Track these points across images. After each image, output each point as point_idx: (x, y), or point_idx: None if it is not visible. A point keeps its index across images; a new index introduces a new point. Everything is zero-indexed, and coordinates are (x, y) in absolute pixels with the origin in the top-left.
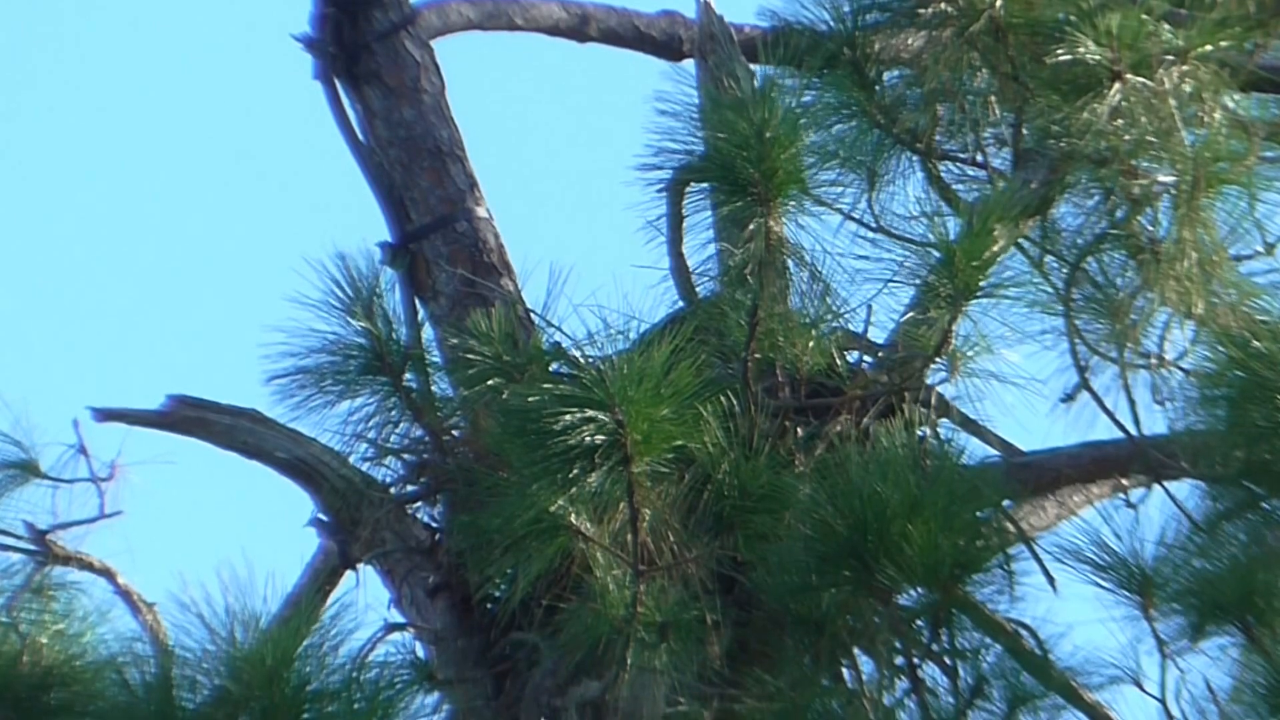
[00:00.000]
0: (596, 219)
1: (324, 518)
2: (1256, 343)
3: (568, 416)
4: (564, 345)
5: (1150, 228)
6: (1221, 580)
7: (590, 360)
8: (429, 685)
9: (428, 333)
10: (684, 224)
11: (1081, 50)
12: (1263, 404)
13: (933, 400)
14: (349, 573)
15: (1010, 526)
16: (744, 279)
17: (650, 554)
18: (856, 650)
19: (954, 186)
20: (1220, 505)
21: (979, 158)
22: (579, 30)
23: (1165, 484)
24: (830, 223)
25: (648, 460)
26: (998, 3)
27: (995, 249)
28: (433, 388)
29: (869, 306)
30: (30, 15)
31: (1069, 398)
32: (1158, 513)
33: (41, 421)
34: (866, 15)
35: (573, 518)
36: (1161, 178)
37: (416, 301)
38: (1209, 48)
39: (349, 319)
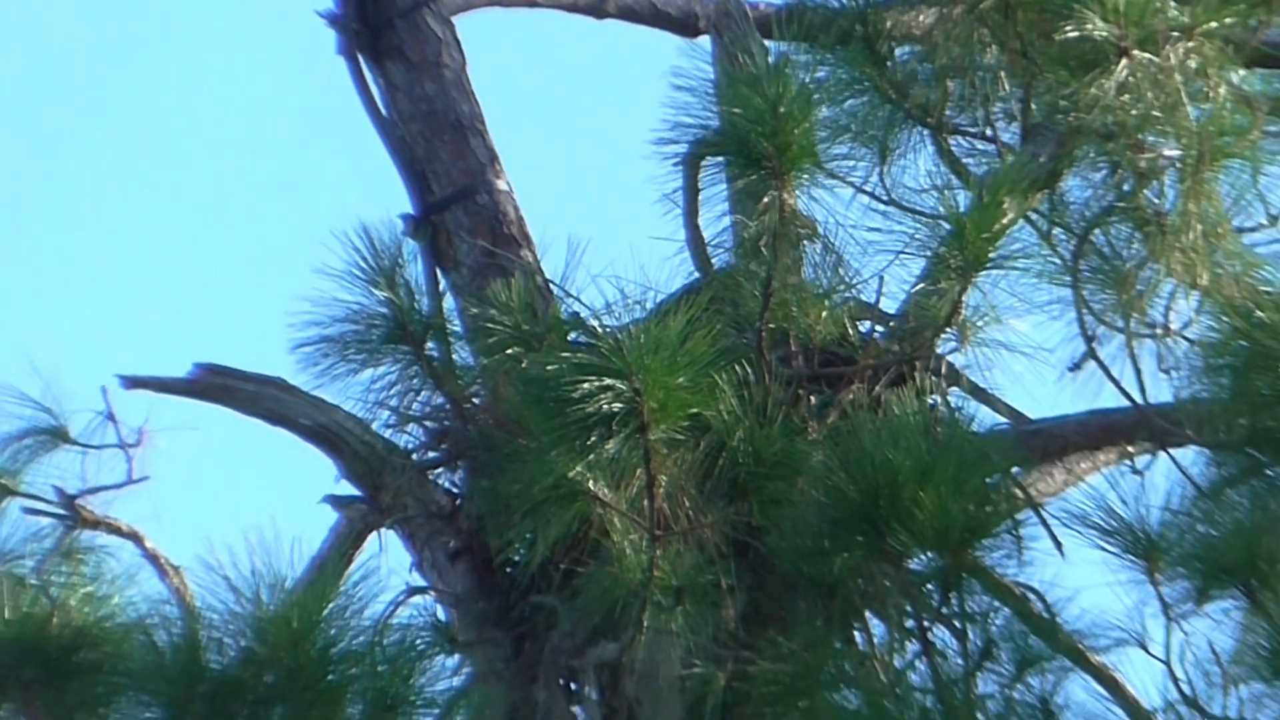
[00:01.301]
0: (614, 192)
1: (337, 494)
2: (1260, 313)
3: (586, 384)
4: (582, 315)
5: (1156, 200)
6: (1225, 545)
7: (608, 330)
8: (450, 647)
9: (449, 302)
10: (699, 197)
11: (1089, 27)
12: (1266, 373)
13: (943, 369)
14: (372, 538)
15: (1019, 493)
16: (758, 251)
17: (666, 519)
18: (868, 613)
19: (964, 160)
20: (1224, 472)
21: (988, 132)
22: (597, 7)
23: (1170, 451)
24: (843, 196)
25: (664, 427)
26: None
27: (1004, 221)
28: (454, 356)
29: (881, 277)
30: None
31: (1076, 366)
32: (1163, 479)
33: (71, 389)
34: None
35: (590, 483)
36: (1167, 152)
37: (438, 272)
38: (1214, 24)
39: (372, 289)
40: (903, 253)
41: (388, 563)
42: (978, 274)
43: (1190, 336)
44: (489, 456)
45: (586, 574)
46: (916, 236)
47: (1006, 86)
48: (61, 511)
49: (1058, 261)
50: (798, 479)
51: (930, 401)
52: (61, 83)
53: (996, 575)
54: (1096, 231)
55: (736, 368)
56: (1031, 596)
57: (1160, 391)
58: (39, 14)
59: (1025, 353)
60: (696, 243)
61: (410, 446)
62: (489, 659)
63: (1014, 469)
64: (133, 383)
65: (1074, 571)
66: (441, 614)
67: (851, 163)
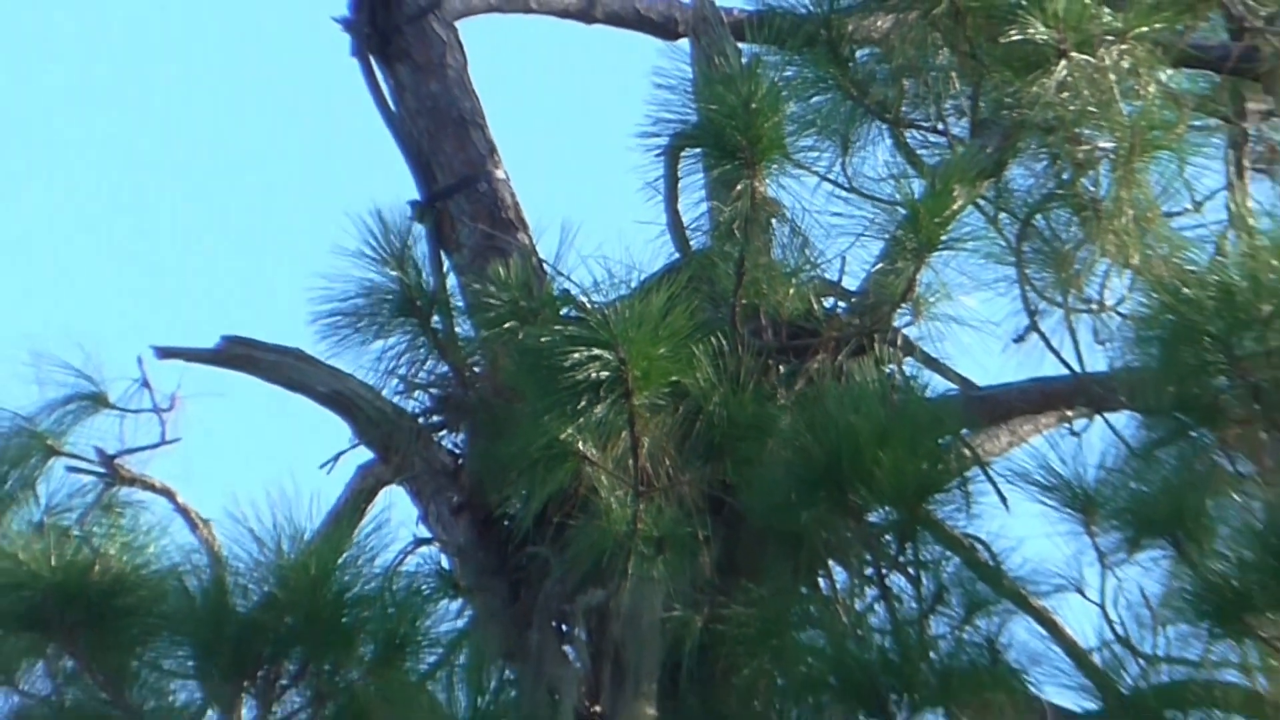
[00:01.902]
0: (602, 180)
1: (334, 461)
2: (1186, 290)
3: (576, 355)
4: (573, 292)
5: (1092, 188)
6: (1154, 500)
7: (596, 305)
8: (453, 593)
9: (452, 280)
10: (679, 185)
11: (1031, 31)
12: (1191, 344)
13: (899, 341)
14: (382, 493)
15: (968, 453)
16: (732, 234)
17: (649, 477)
18: (831, 562)
19: (918, 151)
20: (1153, 434)
21: (940, 126)
22: (586, 13)
23: (1105, 415)
24: (809, 184)
25: (647, 394)
26: None
27: (955, 207)
28: (456, 329)
29: (843, 258)
30: None
31: (1020, 339)
32: (1098, 441)
33: (109, 359)
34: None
35: (580, 445)
36: (1102, 144)
37: (442, 253)
38: (1144, 29)
39: (383, 268)
40: (863, 235)
41: (397, 516)
42: (931, 255)
43: (1123, 311)
44: (488, 420)
45: (576, 527)
46: (875, 221)
47: (957, 85)
48: (101, 470)
49: (1003, 243)
50: (768, 441)
51: (888, 370)
52: (116, 77)
53: (947, 527)
54: (1038, 216)
55: (712, 340)
56: (979, 546)
57: (1096, 361)
58: (99, 16)
59: (974, 326)
60: (676, 226)
61: (417, 411)
62: (488, 604)
63: (963, 431)
64: (165, 353)
65: (1017, 523)
66: (445, 563)
67: (816, 154)
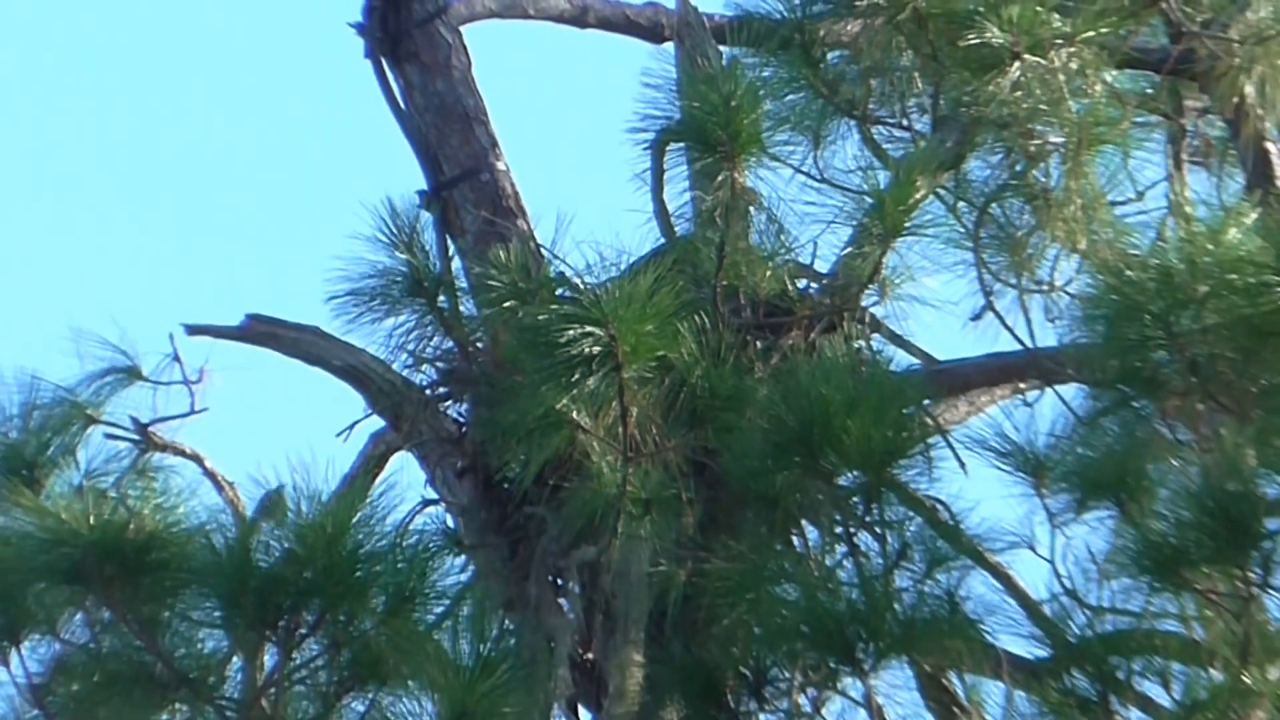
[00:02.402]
0: (594, 172)
1: (349, 429)
2: (1129, 272)
3: (570, 331)
4: (567, 274)
5: (1043, 179)
6: (1100, 465)
7: (588, 286)
8: (457, 549)
9: (457, 263)
10: (665, 176)
11: (988, 35)
12: (1134, 322)
13: (867, 319)
14: (393, 459)
15: (929, 421)
16: (714, 221)
17: (637, 443)
18: (804, 521)
19: (884, 146)
20: (1099, 404)
21: (905, 122)
22: (580, 18)
23: (1055, 387)
24: (784, 175)
25: (635, 367)
26: None
27: (917, 196)
28: (460, 308)
29: (815, 243)
30: None
31: (977, 317)
32: (1049, 410)
33: (143, 335)
34: (813, 6)
35: (574, 414)
36: (1052, 139)
37: (447, 238)
38: (1091, 33)
39: (393, 252)
40: (833, 223)
41: (406, 479)
42: (895, 240)
43: (1071, 292)
44: (490, 391)
45: (570, 489)
46: (844, 209)
47: (919, 84)
48: (136, 437)
49: (961, 230)
50: (746, 410)
51: (856, 346)
52: (157, 71)
53: (910, 490)
54: (994, 205)
55: (696, 318)
56: (940, 507)
57: (1047, 338)
58: (145, 16)
59: (935, 305)
60: (662, 214)
61: (425, 383)
62: (489, 559)
63: (925, 402)
64: (194, 330)
65: (974, 486)
66: (450, 522)
67: (791, 148)
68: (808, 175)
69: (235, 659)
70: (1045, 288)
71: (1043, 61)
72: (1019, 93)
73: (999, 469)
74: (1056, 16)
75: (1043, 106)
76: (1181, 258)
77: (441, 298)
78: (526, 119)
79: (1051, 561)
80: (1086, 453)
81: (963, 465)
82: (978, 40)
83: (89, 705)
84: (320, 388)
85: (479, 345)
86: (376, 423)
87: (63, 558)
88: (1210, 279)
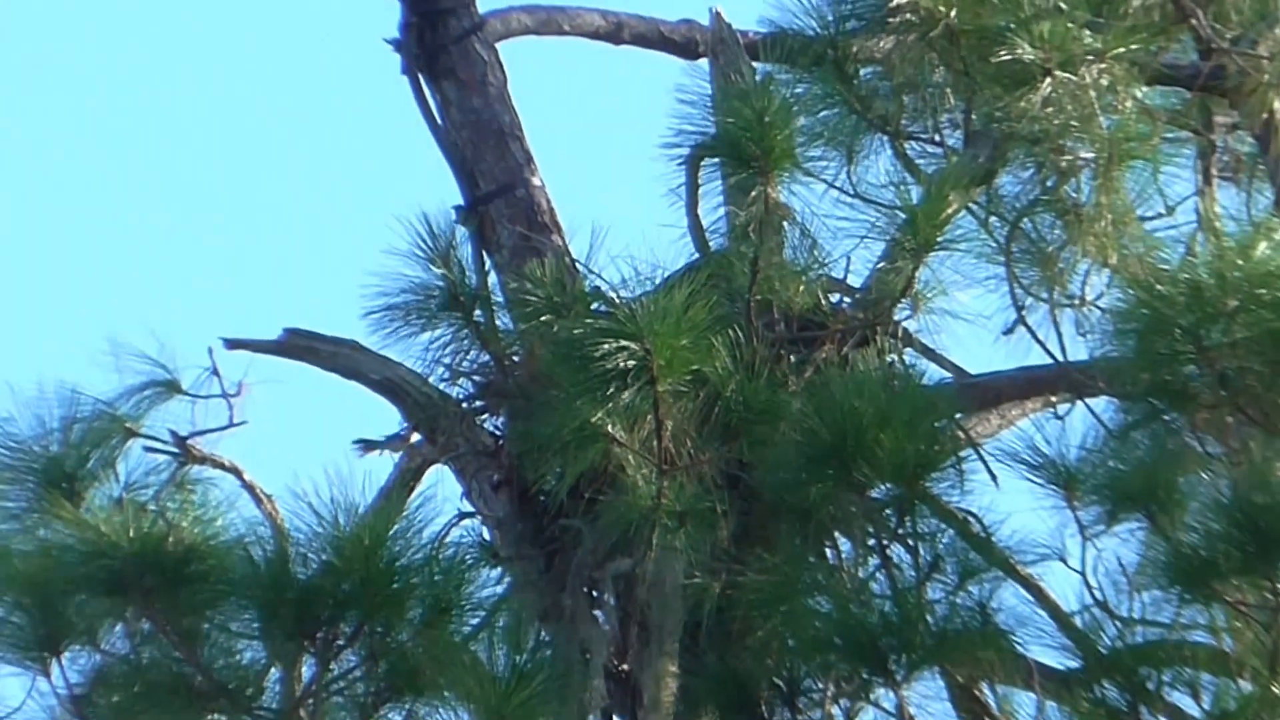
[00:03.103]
0: (629, 187)
1: (366, 438)
2: (1159, 286)
3: (605, 345)
4: (602, 288)
5: (1074, 194)
6: (1130, 477)
7: (623, 300)
8: (493, 561)
9: (493, 278)
10: (699, 191)
11: (1019, 51)
12: (1164, 336)
13: (899, 333)
14: (429, 471)
15: (961, 434)
16: (747, 235)
17: (671, 456)
18: (837, 533)
19: (917, 161)
20: (1130, 417)
21: (937, 137)
22: (614, 35)
23: (1086, 400)
24: (817, 190)
25: (670, 381)
26: (952, 12)
27: (949, 211)
28: (496, 322)
29: (848, 258)
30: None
31: (1009, 331)
32: (1080, 423)
33: (182, 349)
34: (846, 23)
35: (609, 427)
36: (1083, 154)
37: (483, 253)
38: (1122, 49)
39: (430, 266)
40: (866, 237)
41: (443, 492)
42: (928, 255)
43: (1102, 306)
44: (526, 404)
45: (606, 501)
46: (877, 224)
47: (952, 100)
48: (175, 450)
49: (993, 244)
50: (780, 423)
51: (889, 360)
52: (195, 93)
53: (943, 502)
54: (1026, 220)
55: (729, 332)
56: (971, 519)
57: (1078, 351)
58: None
59: (967, 319)
60: (696, 229)
61: (461, 396)
62: (525, 571)
63: (957, 415)
64: (233, 344)
65: (1006, 499)
66: (486, 534)
67: (824, 163)
68: (841, 190)
69: (274, 670)
70: (1076, 302)
71: (1074, 77)
72: (1050, 108)
73: (1030, 481)
74: (1087, 33)
75: (1074, 122)
76: (1211, 272)
77: (478, 312)
78: (562, 134)
79: (1082, 573)
80: (1117, 465)
81: (994, 478)
82: (1009, 56)
83: (129, 716)
84: (357, 401)
85: (515, 359)
86: (413, 435)
87: (103, 569)
88: (1239, 293)
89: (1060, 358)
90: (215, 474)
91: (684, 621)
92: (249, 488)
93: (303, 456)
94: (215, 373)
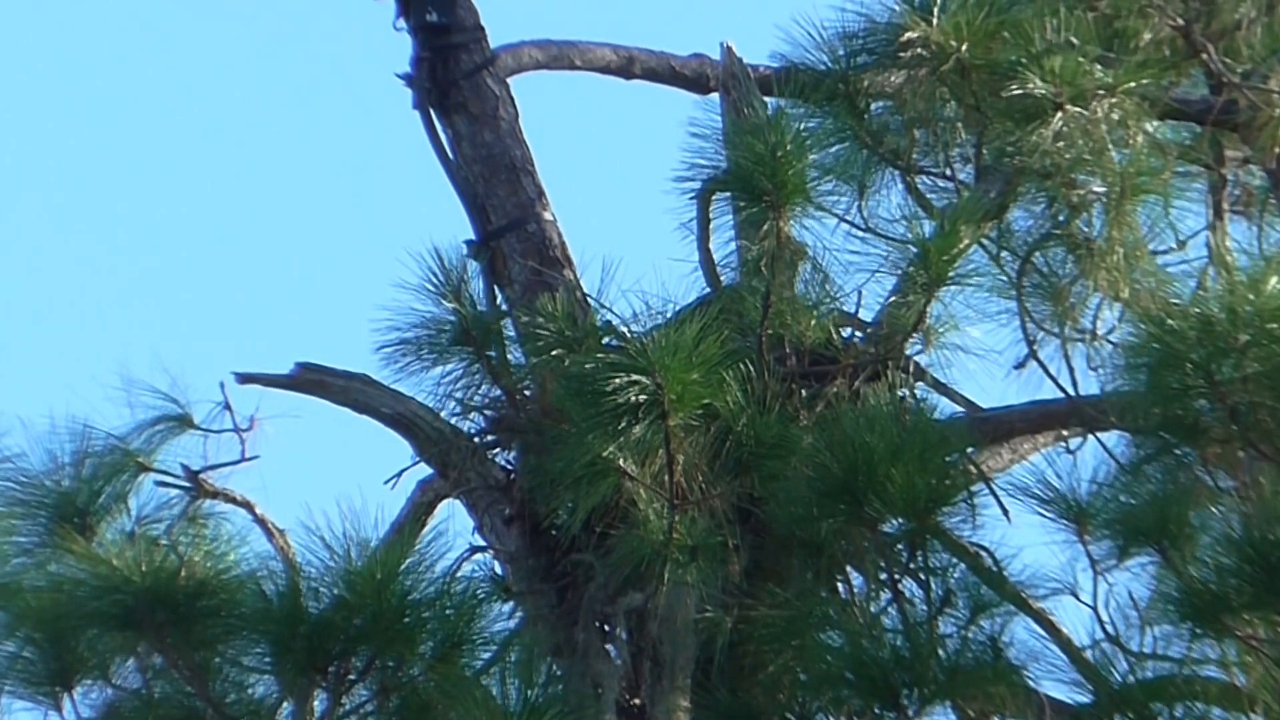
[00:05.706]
0: (640, 221)
1: (397, 477)
2: (1170, 321)
3: (616, 380)
4: (614, 323)
5: (1086, 228)
6: (1142, 512)
7: (635, 335)
8: (505, 596)
9: (504, 312)
10: (710, 226)
11: (1031, 86)
12: (1175, 370)
13: (911, 368)
14: (441, 506)
15: (973, 469)
16: (759, 270)
17: (683, 491)
18: (849, 568)
19: (928, 195)
20: (1141, 452)
21: (948, 172)
22: (625, 69)
23: (1097, 435)
24: (828, 225)
25: (681, 415)
26: (963, 47)
27: (961, 246)
28: (508, 356)
29: (859, 292)
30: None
31: (1020, 365)
32: (1091, 458)
33: (194, 384)
34: (857, 58)
35: (620, 461)
36: (1095, 188)
37: (495, 287)
38: (1133, 84)
39: (442, 301)
40: (877, 272)
41: (454, 526)
42: (939, 289)
43: (1113, 340)
44: (537, 439)
45: (617, 536)
46: (889, 259)
47: (963, 135)
48: (186, 484)
49: (1005, 279)
50: (791, 458)
51: (900, 394)
52: (205, 125)
53: (954, 536)
54: (1037, 254)
55: (741, 366)
56: (983, 554)
57: (1089, 386)
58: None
59: (978, 354)
60: (708, 263)
61: (472, 431)
62: (537, 606)
63: (969, 449)
64: (245, 378)
65: (1018, 533)
66: (498, 569)
67: (835, 197)
68: (852, 224)
69: (285, 704)
70: (1088, 336)
71: (1085, 112)
72: (1061, 143)
73: (1042, 516)
74: (1099, 68)
75: (1085, 156)
76: (1222, 307)
77: (490, 347)
78: (573, 169)
79: (1094, 608)
80: (1128, 500)
81: (1006, 512)
82: (1020, 91)
83: None
84: (369, 436)
85: (526, 393)
86: (424, 470)
87: (115, 604)
88: (1251, 328)
89: (1072, 392)
90: (227, 508)
91: (696, 656)
92: (261, 522)
93: (315, 491)
94: (227, 407)
